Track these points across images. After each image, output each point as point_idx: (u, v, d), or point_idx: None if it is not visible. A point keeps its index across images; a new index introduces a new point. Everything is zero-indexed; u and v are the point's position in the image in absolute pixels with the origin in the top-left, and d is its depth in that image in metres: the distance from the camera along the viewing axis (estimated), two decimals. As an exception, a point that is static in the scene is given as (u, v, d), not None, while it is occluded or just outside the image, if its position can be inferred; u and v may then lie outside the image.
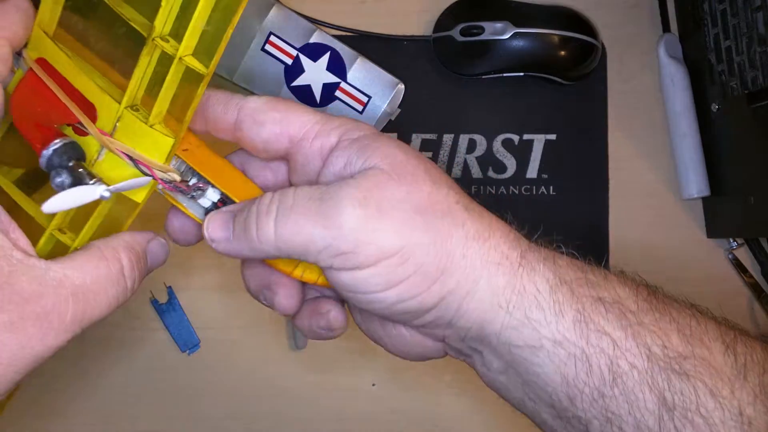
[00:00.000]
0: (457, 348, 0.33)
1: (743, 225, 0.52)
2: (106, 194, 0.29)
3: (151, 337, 0.55)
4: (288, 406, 0.55)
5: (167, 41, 0.29)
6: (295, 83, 0.53)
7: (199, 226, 0.33)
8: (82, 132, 0.31)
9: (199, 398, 0.55)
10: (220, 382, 0.55)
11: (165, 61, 0.29)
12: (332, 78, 0.52)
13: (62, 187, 0.29)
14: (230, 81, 0.53)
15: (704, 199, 0.56)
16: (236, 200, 0.33)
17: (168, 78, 0.29)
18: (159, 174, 0.31)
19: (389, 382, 0.55)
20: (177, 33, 0.28)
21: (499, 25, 0.53)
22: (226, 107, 0.32)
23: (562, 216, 0.56)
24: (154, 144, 0.30)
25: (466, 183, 0.56)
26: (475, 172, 0.56)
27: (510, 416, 0.53)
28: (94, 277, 0.29)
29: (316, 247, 0.29)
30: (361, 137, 0.31)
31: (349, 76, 0.52)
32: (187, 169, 0.33)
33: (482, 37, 0.53)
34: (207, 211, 0.33)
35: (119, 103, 0.30)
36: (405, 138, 0.56)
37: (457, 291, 0.30)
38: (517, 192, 0.56)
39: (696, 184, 0.54)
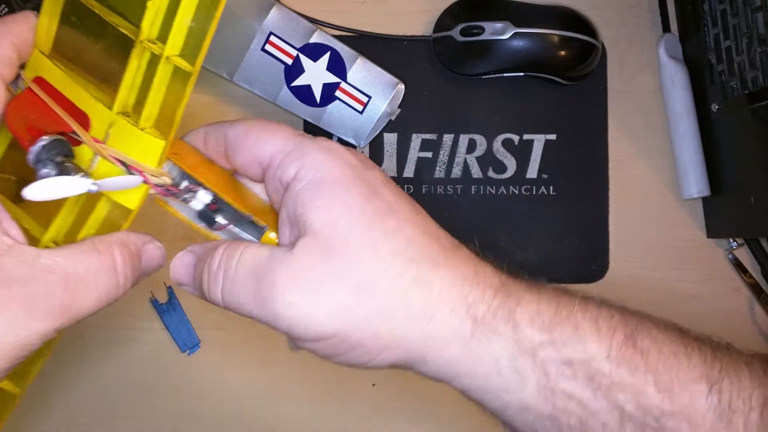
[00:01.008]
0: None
1: (743, 225, 0.52)
2: (93, 188, 0.29)
3: (151, 337, 0.55)
4: (288, 406, 0.55)
5: (155, 44, 0.29)
6: (295, 83, 0.53)
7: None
8: (75, 142, 0.31)
9: (199, 398, 0.55)
10: (220, 382, 0.55)
11: (153, 63, 0.29)
12: (332, 78, 0.52)
13: (47, 175, 0.29)
14: (230, 81, 0.53)
15: (704, 199, 0.56)
16: (229, 201, 0.33)
17: (156, 79, 0.29)
18: (151, 179, 0.31)
19: (389, 382, 0.55)
20: (164, 36, 0.29)
21: (499, 25, 0.53)
22: (218, 137, 0.33)
23: (562, 216, 0.56)
24: (146, 147, 0.30)
25: (466, 183, 0.56)
26: (475, 172, 0.56)
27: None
28: (85, 267, 0.29)
29: (259, 320, 0.30)
30: (310, 183, 0.30)
31: (349, 76, 0.52)
32: (179, 173, 0.32)
33: (482, 37, 0.53)
34: (199, 213, 0.33)
35: (111, 109, 0.30)
36: (405, 138, 0.56)
37: (406, 361, 0.30)
38: (517, 192, 0.56)
39: (696, 184, 0.54)
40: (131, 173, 0.30)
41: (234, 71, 0.52)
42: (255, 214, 0.33)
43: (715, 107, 0.52)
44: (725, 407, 0.28)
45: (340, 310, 0.29)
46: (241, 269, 0.30)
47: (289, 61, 0.52)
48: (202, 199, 0.33)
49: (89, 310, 0.29)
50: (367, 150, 0.56)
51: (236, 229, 0.34)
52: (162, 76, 0.30)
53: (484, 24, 0.53)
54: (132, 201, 0.31)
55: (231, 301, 0.30)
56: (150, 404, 0.55)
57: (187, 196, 0.32)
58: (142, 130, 0.30)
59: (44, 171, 0.29)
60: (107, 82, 0.31)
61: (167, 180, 0.31)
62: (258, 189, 0.35)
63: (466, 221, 0.56)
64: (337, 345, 0.29)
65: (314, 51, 0.52)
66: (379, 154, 0.56)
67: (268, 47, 0.52)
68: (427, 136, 0.56)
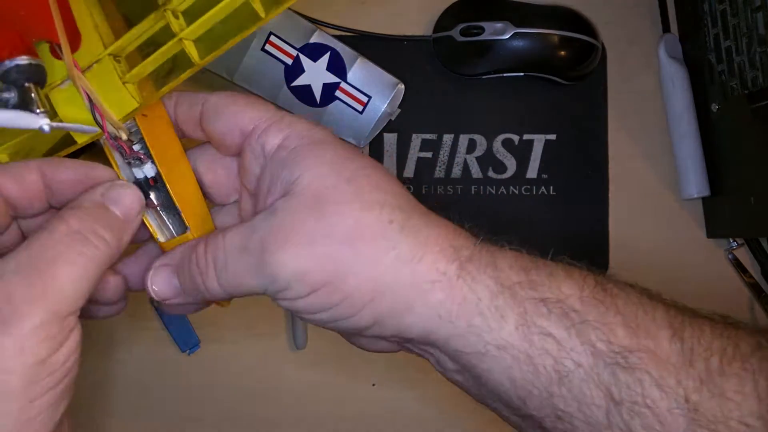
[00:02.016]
0: (409, 349, 0.34)
1: (743, 225, 0.52)
2: (46, 128, 0.28)
3: (151, 337, 0.55)
4: (288, 406, 0.55)
5: (177, 17, 0.29)
6: (295, 83, 0.53)
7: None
8: (57, 55, 0.30)
9: (199, 398, 0.55)
10: (220, 382, 0.55)
11: (165, 33, 0.29)
12: (332, 78, 0.52)
13: (5, 105, 0.28)
14: (230, 81, 0.53)
15: (704, 199, 0.56)
16: (168, 187, 0.33)
17: (161, 50, 0.29)
18: (108, 127, 0.31)
19: (389, 382, 0.55)
20: (189, 16, 0.28)
21: (499, 25, 0.53)
22: (192, 103, 0.33)
23: (562, 216, 0.56)
24: (119, 100, 0.30)
25: (466, 183, 0.56)
26: (475, 172, 0.56)
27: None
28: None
29: (259, 289, 0.31)
30: (297, 147, 0.31)
31: (349, 76, 0.52)
32: (138, 135, 0.32)
33: (482, 37, 0.53)
34: (136, 181, 0.33)
35: (105, 47, 0.30)
36: (405, 138, 0.56)
37: (392, 312, 0.31)
38: (517, 192, 0.56)
39: (696, 184, 0.54)
40: (93, 113, 0.30)
41: (234, 71, 0.52)
42: (188, 212, 0.33)
43: (715, 107, 0.52)
44: (687, 351, 0.29)
45: (331, 258, 0.30)
46: (229, 250, 0.31)
47: (289, 61, 0.52)
48: (146, 170, 0.33)
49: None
50: (367, 150, 0.56)
51: (163, 215, 0.34)
52: (167, 51, 0.29)
53: (484, 24, 0.53)
54: (81, 137, 0.32)
55: (229, 284, 0.31)
56: (150, 404, 0.55)
57: (133, 160, 0.32)
58: (123, 83, 0.30)
59: (5, 96, 0.28)
60: (116, 23, 0.30)
61: (123, 135, 0.31)
62: (222, 170, 0.35)
63: (466, 221, 0.56)
64: (330, 295, 0.30)
65: (314, 51, 0.52)
66: (379, 154, 0.56)
67: (268, 47, 0.52)
68: (427, 136, 0.56)
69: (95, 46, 0.30)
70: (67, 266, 0.27)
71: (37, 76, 0.28)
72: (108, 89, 0.30)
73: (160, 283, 0.33)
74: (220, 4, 0.28)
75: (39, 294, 0.26)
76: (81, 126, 0.30)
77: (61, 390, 0.27)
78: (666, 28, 0.56)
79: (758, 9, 0.45)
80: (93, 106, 0.30)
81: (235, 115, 0.33)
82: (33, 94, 0.28)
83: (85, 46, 0.30)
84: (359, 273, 0.30)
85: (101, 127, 0.30)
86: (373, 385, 0.56)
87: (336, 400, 0.55)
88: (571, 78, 0.55)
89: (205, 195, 0.35)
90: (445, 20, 0.55)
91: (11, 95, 0.28)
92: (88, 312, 0.33)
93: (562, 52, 0.53)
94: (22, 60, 0.27)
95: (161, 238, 0.34)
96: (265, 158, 0.32)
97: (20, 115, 0.28)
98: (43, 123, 0.28)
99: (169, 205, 0.34)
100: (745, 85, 0.48)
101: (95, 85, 0.30)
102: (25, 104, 0.28)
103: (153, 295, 0.33)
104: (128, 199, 0.31)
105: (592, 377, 0.30)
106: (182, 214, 0.33)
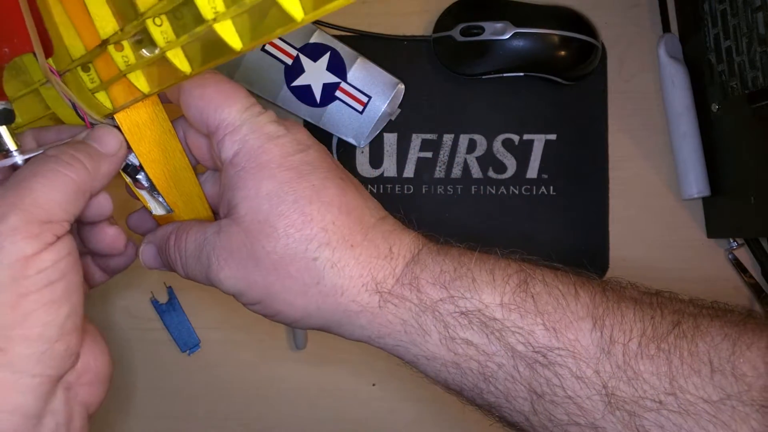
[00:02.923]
0: None
1: (743, 225, 0.52)
2: (20, 161, 0.31)
3: (151, 337, 0.55)
4: (288, 406, 0.55)
5: (159, 25, 0.28)
6: (295, 83, 0.53)
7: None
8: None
9: (199, 398, 0.55)
10: (220, 382, 0.55)
11: (148, 41, 0.29)
12: (332, 78, 0.52)
13: None
14: (230, 81, 0.53)
15: (704, 199, 0.56)
16: (148, 174, 0.36)
17: (142, 61, 0.30)
18: (91, 120, 0.33)
19: (389, 382, 0.55)
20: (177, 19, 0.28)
21: (499, 25, 0.53)
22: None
23: (562, 216, 0.56)
24: (92, 104, 0.32)
25: (466, 183, 0.56)
26: (475, 172, 0.56)
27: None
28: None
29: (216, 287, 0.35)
30: (242, 170, 0.33)
31: (349, 76, 0.52)
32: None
33: (482, 37, 0.53)
34: (125, 165, 0.35)
35: (72, 60, 0.31)
36: (405, 138, 0.56)
37: (325, 326, 0.35)
38: (517, 192, 0.56)
39: (696, 184, 0.54)
40: (77, 112, 0.32)
41: (234, 71, 0.52)
42: (171, 196, 0.36)
43: (715, 107, 0.52)
44: (606, 339, 0.32)
45: (261, 285, 0.33)
46: (188, 253, 0.35)
47: (289, 61, 0.52)
48: (131, 158, 0.36)
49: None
50: (367, 150, 0.56)
51: (154, 194, 0.37)
52: (151, 59, 0.30)
53: (484, 24, 0.53)
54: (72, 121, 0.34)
55: (189, 275, 0.35)
56: (150, 404, 0.55)
57: None
58: (92, 93, 0.32)
59: None
60: (85, 32, 0.31)
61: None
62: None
63: (466, 221, 0.56)
64: (265, 309, 0.34)
65: (314, 51, 0.52)
66: (379, 154, 0.56)
67: (268, 47, 0.52)
68: (427, 136, 0.56)
69: (64, 56, 0.31)
70: (40, 179, 0.30)
71: (6, 118, 0.30)
72: (81, 95, 0.32)
73: (147, 257, 0.37)
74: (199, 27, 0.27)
75: (14, 202, 0.28)
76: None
77: (59, 291, 0.29)
78: (666, 28, 0.56)
79: (758, 9, 0.45)
80: (75, 106, 0.32)
81: (202, 111, 0.34)
82: (4, 137, 0.31)
83: (59, 52, 0.31)
84: (286, 299, 0.33)
85: (84, 122, 0.33)
86: (373, 385, 0.56)
87: (336, 400, 0.55)
88: (571, 78, 0.55)
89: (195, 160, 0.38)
90: (445, 20, 0.55)
91: None
92: (102, 265, 0.38)
93: (562, 52, 0.53)
94: None
95: (154, 212, 0.37)
96: (222, 165, 0.34)
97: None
98: (18, 159, 0.31)
99: (153, 190, 0.37)
100: (745, 85, 0.48)
101: (72, 89, 0.32)
102: None
103: (143, 265, 0.37)
104: (106, 136, 0.33)
105: (514, 375, 0.32)
106: (164, 198, 0.36)
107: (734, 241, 0.55)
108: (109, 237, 0.36)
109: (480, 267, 0.34)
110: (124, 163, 0.35)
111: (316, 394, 0.55)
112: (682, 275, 0.55)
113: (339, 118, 0.53)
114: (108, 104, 0.32)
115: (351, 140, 0.54)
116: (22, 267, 0.28)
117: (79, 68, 0.31)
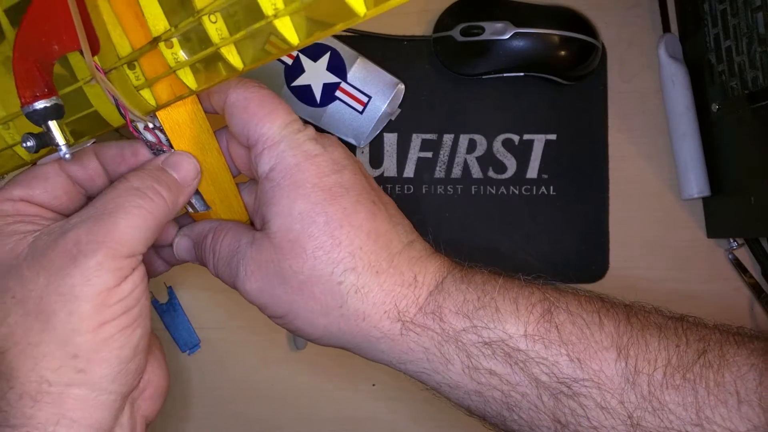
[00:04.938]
0: None
1: (743, 225, 0.52)
2: (68, 156, 0.32)
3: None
4: (288, 406, 0.55)
5: (214, 22, 0.30)
6: (295, 83, 0.53)
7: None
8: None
9: (199, 398, 0.55)
10: (220, 382, 0.55)
11: (202, 39, 0.30)
12: (332, 78, 0.52)
13: (30, 150, 0.32)
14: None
15: (704, 199, 0.56)
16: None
17: (197, 56, 0.31)
18: (133, 118, 0.34)
19: (389, 382, 0.55)
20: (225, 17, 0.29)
21: (499, 25, 0.53)
22: (219, 95, 0.35)
23: (562, 216, 0.56)
24: (136, 101, 0.33)
25: (466, 183, 0.56)
26: (475, 172, 0.56)
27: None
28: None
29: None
30: (277, 187, 0.33)
31: (349, 76, 0.52)
32: (159, 126, 0.35)
33: (482, 37, 0.53)
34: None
35: (118, 58, 0.32)
36: (405, 138, 0.56)
37: (346, 346, 0.35)
38: (517, 192, 0.56)
39: (696, 184, 0.54)
40: (118, 109, 0.33)
41: (234, 71, 0.52)
42: (209, 194, 0.37)
43: (715, 107, 0.52)
44: (631, 370, 0.32)
45: (285, 302, 0.34)
46: (221, 256, 0.36)
47: (289, 61, 0.52)
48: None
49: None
50: (367, 150, 0.56)
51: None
52: (207, 53, 0.31)
53: (484, 24, 0.53)
54: (116, 121, 0.35)
55: (218, 276, 0.36)
56: (150, 404, 0.55)
57: (157, 151, 0.35)
58: (137, 90, 0.32)
59: (26, 145, 0.32)
60: (132, 29, 0.32)
61: (149, 124, 0.35)
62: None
63: (466, 221, 0.56)
64: (287, 324, 0.35)
65: (314, 51, 0.52)
66: (379, 154, 0.56)
67: (267, 47, 0.52)
68: (427, 136, 0.56)
69: (110, 54, 0.32)
70: (125, 215, 0.31)
71: (56, 113, 0.31)
72: (126, 92, 0.33)
73: (182, 249, 0.38)
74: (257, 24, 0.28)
75: (100, 238, 0.30)
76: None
77: (134, 316, 0.31)
78: (666, 28, 0.56)
79: (758, 9, 0.45)
80: (117, 103, 0.33)
81: (243, 125, 0.34)
82: (53, 131, 0.31)
83: (104, 49, 0.32)
84: (308, 319, 0.34)
85: (125, 119, 0.33)
86: (373, 385, 0.56)
87: (336, 401, 0.55)
88: (571, 78, 0.55)
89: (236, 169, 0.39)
90: (445, 20, 0.55)
91: (31, 144, 0.32)
92: (169, 259, 0.40)
93: (562, 52, 0.53)
94: (40, 104, 0.31)
95: (191, 210, 0.38)
96: (258, 178, 0.35)
97: (46, 159, 0.33)
98: (66, 154, 0.31)
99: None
100: (745, 85, 0.48)
101: (117, 87, 0.33)
102: (45, 144, 0.32)
103: (176, 255, 0.38)
104: (185, 165, 0.35)
105: (537, 405, 0.33)
106: (203, 196, 0.37)
107: (734, 241, 0.55)
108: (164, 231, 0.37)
109: (503, 296, 0.34)
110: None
111: (316, 394, 0.55)
112: (682, 275, 0.55)
113: (339, 118, 0.53)
114: (152, 101, 0.33)
115: (351, 140, 0.54)
116: (104, 298, 0.30)
117: (125, 66, 0.32)
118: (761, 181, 0.48)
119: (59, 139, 0.31)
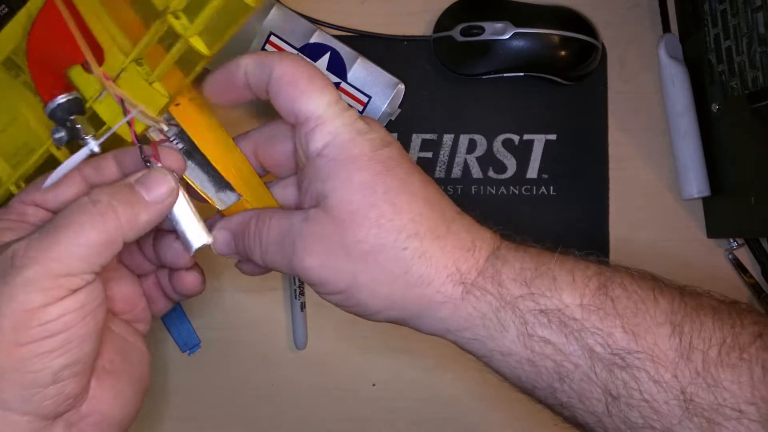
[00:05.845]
0: None
1: (743, 225, 0.52)
2: (96, 149, 0.32)
3: (151, 337, 0.55)
4: (288, 406, 0.55)
5: (178, 18, 0.31)
6: (295, 83, 0.53)
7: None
8: (89, 70, 0.33)
9: (199, 398, 0.55)
10: (221, 382, 0.55)
11: (172, 35, 0.31)
12: (332, 78, 0.52)
13: (60, 142, 0.32)
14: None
15: (704, 199, 0.56)
16: (211, 161, 0.37)
17: (172, 52, 0.32)
18: (147, 121, 0.34)
19: (389, 382, 0.55)
20: (190, 10, 0.31)
21: (499, 25, 0.53)
22: (261, 69, 0.35)
23: (562, 216, 0.56)
24: (150, 97, 0.33)
25: (466, 183, 0.56)
26: (475, 172, 0.56)
27: (511, 415, 0.53)
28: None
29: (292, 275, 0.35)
30: (332, 162, 0.33)
31: (349, 76, 0.52)
32: (175, 124, 0.36)
33: (482, 37, 0.53)
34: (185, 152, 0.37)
35: (126, 56, 0.32)
36: (405, 138, 0.56)
37: (402, 319, 0.35)
38: (517, 192, 0.56)
39: (696, 184, 0.54)
40: (124, 112, 0.33)
41: (234, 71, 0.52)
42: (237, 182, 0.37)
43: (715, 107, 0.52)
44: (686, 346, 0.32)
45: (348, 273, 0.33)
46: (270, 240, 0.35)
47: (289, 61, 0.52)
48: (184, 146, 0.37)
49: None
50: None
51: (213, 186, 0.38)
52: (177, 50, 0.32)
53: (484, 24, 0.53)
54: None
55: (269, 264, 0.36)
56: (150, 404, 0.55)
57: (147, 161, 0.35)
58: (150, 84, 0.33)
59: (57, 136, 0.32)
60: (131, 29, 0.33)
61: (163, 127, 0.36)
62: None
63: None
64: (346, 300, 0.34)
65: (314, 51, 0.52)
66: (379, 154, 0.56)
67: (268, 47, 0.52)
68: (427, 136, 0.56)
69: (117, 56, 0.33)
70: (66, 231, 0.30)
71: (77, 107, 0.32)
72: (138, 92, 0.33)
73: (221, 243, 0.37)
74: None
75: (36, 254, 0.29)
76: (117, 125, 0.33)
77: (59, 342, 0.29)
78: (666, 28, 0.56)
79: (758, 9, 0.45)
80: (126, 111, 0.33)
81: (293, 101, 0.34)
82: (78, 125, 0.32)
83: (109, 57, 0.33)
84: (372, 289, 0.33)
85: (129, 126, 0.34)
86: (373, 385, 0.56)
87: (336, 400, 0.55)
88: (571, 78, 0.55)
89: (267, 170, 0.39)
90: (445, 20, 0.55)
91: (62, 135, 0.32)
92: (173, 284, 0.39)
93: (562, 52, 0.53)
94: (61, 99, 0.31)
95: (220, 207, 0.38)
96: (307, 157, 0.34)
97: (78, 155, 0.32)
98: (93, 146, 0.32)
99: (218, 180, 0.38)
100: (745, 85, 0.48)
101: (127, 90, 0.33)
102: (74, 135, 0.32)
103: (214, 250, 0.37)
104: (157, 182, 0.33)
105: (590, 376, 0.32)
106: (232, 185, 0.37)
107: (734, 241, 0.55)
108: (174, 249, 0.37)
109: (560, 266, 0.34)
110: (170, 210, 0.34)
111: (316, 394, 0.55)
112: (682, 275, 0.55)
113: (339, 118, 0.53)
114: (164, 92, 0.34)
115: (351, 140, 0.54)
116: (25, 319, 0.29)
117: (133, 64, 0.33)
118: (761, 181, 0.48)
119: (84, 131, 0.31)
